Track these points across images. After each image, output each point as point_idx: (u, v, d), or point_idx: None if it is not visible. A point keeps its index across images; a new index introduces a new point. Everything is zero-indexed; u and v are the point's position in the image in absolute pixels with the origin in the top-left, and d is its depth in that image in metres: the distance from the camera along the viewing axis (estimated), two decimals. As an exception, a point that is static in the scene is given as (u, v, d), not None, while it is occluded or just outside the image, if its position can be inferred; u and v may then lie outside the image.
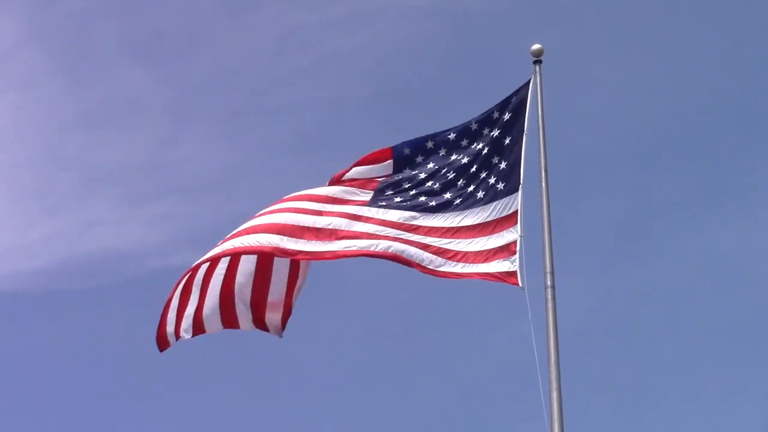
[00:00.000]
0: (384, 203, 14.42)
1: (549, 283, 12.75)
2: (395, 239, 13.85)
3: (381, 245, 13.74)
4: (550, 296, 12.64)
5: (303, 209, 14.34)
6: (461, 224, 13.95)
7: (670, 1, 34.34)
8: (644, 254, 31.57)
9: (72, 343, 31.89)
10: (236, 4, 35.69)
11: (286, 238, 13.94)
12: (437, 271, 13.60)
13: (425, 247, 13.79)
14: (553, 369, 12.19)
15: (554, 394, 12.06)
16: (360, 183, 14.78)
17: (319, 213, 14.26)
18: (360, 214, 14.30)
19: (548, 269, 12.84)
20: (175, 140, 34.75)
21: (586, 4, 34.89)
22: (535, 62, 14.46)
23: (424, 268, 13.61)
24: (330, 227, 14.11)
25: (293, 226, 14.07)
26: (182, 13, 35.67)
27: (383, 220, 14.14)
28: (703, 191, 32.88)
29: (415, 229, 14.00)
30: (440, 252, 13.70)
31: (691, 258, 31.34)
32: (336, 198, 14.57)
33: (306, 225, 14.09)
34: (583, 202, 31.18)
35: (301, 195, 14.68)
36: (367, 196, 14.59)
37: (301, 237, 13.97)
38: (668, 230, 32.06)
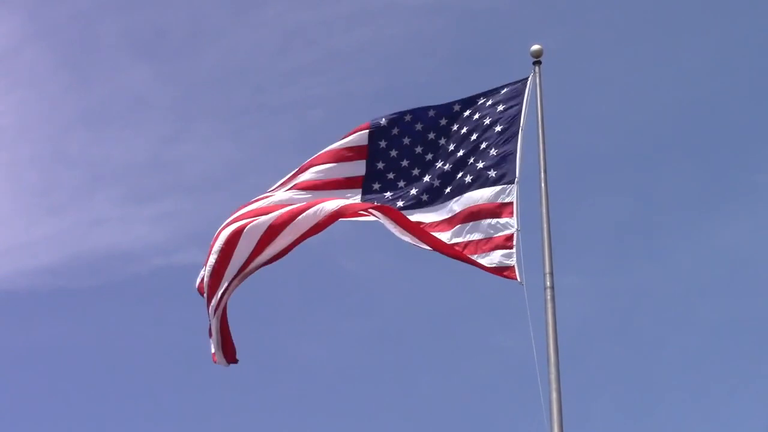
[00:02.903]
0: (374, 200, 14.30)
1: (548, 283, 12.74)
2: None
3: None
4: (549, 297, 12.64)
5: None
6: (455, 212, 13.85)
7: (671, 0, 34.37)
8: (646, 253, 31.58)
9: (75, 341, 31.95)
10: (240, 1, 35.76)
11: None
12: (447, 246, 13.46)
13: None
14: (552, 369, 12.19)
15: (554, 395, 12.05)
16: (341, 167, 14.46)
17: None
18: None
19: (547, 270, 12.83)
20: (179, 138, 34.81)
21: (587, 4, 34.91)
22: (534, 63, 14.47)
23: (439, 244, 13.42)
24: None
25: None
26: (186, 10, 35.74)
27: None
28: (706, 189, 32.89)
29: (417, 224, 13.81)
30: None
31: (694, 257, 31.36)
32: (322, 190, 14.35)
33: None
34: (584, 201, 31.21)
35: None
36: (355, 194, 14.46)
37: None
38: (670, 229, 32.07)
